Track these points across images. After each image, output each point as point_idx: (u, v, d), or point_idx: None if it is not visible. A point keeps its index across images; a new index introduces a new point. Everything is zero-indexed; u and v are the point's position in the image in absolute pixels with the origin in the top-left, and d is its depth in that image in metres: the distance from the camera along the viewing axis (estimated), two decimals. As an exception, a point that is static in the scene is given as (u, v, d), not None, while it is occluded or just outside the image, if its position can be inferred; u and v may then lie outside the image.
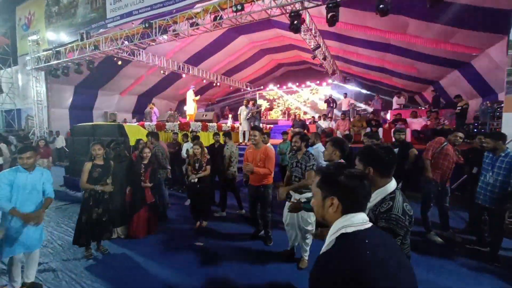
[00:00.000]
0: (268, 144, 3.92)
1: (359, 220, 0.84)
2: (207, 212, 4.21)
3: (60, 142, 10.39)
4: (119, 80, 12.08)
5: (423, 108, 9.53)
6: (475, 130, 6.78)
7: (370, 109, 10.63)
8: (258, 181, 3.35)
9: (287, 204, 2.87)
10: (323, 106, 13.13)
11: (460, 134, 3.59)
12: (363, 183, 0.88)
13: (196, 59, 12.10)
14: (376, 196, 1.30)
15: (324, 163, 3.24)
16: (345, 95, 11.40)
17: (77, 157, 6.60)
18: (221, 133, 5.32)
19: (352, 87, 13.67)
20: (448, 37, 6.43)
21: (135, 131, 5.99)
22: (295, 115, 14.08)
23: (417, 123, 7.72)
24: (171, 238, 3.66)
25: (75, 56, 9.10)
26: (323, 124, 9.00)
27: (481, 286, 2.63)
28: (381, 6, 4.73)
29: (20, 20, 12.40)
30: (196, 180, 3.91)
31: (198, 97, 9.35)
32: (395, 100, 10.15)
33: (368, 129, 7.54)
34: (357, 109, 11.56)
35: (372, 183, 1.17)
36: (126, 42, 8.35)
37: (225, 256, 3.17)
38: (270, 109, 15.56)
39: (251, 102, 8.58)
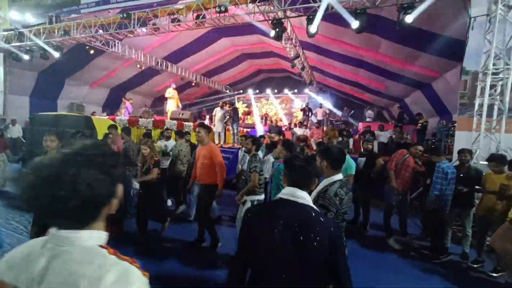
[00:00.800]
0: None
1: (286, 191, 1.17)
2: (163, 214, 3.79)
3: (17, 132, 9.44)
4: (90, 70, 11.35)
5: (390, 123, 10.26)
6: (433, 145, 7.46)
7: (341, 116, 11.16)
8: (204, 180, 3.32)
9: (241, 207, 3.06)
10: (299, 114, 13.53)
11: (420, 147, 3.94)
12: (303, 169, 1.19)
13: (176, 56, 11.82)
14: (324, 183, 1.64)
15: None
16: (321, 105, 11.91)
17: (35, 149, 6.04)
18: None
19: (325, 99, 14.32)
20: (413, 59, 7.06)
21: (104, 125, 5.65)
22: (271, 121, 14.35)
23: (383, 136, 8.27)
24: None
25: (42, 39, 8.39)
26: (298, 131, 9.26)
27: (432, 285, 2.88)
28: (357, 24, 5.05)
29: (-22, -6, 11.18)
30: (137, 186, 3.50)
31: (175, 97, 9.14)
32: (367, 113, 10.84)
33: (340, 139, 7.92)
34: (331, 119, 12.11)
35: (324, 173, 1.64)
36: (100, 31, 7.92)
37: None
38: (248, 113, 15.66)
39: (227, 105, 8.60)
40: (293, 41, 8.21)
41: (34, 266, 0.57)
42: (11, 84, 10.16)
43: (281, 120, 14.79)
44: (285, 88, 15.19)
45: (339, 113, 12.76)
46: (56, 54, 8.64)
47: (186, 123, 8.07)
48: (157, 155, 3.61)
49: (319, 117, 11.21)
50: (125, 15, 7.01)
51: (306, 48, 9.27)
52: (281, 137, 8.50)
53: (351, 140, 8.40)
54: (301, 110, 11.44)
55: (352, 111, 11.95)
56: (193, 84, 13.98)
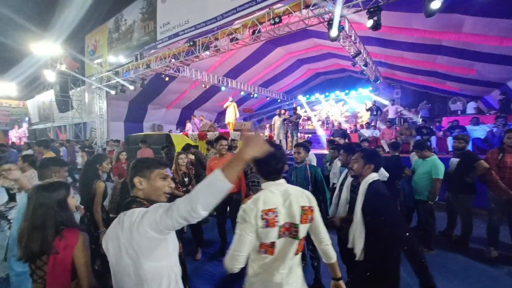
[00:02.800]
0: None
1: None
2: (201, 238, 3.49)
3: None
4: (166, 95, 13.19)
5: (488, 114, 8.39)
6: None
7: (417, 119, 9.69)
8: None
9: None
10: (365, 114, 12.46)
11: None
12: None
13: (234, 72, 12.63)
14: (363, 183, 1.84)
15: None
16: (392, 102, 10.65)
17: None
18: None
19: (396, 95, 12.77)
20: (515, 32, 5.64)
21: (180, 140, 6.42)
22: (333, 124, 13.63)
23: (479, 131, 6.81)
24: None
25: (131, 74, 10.23)
26: (366, 132, 8.51)
27: None
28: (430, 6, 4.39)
29: (88, 47, 14.51)
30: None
31: (233, 103, 9.69)
32: (453, 105, 9.17)
33: (418, 137, 6.89)
34: (405, 116, 10.69)
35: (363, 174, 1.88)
36: (173, 60, 9.14)
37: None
38: (308, 118, 15.31)
39: (286, 112, 8.60)
40: (352, 38, 7.70)
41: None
42: (111, 113, 12.67)
43: (345, 122, 13.89)
44: (347, 89, 14.30)
45: (415, 108, 11.19)
46: (138, 85, 10.38)
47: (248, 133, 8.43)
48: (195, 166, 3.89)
49: (391, 116, 10.05)
50: (191, 43, 7.92)
51: (368, 43, 8.55)
52: (346, 140, 8.00)
53: (433, 138, 7.22)
54: (367, 109, 10.50)
55: (429, 105, 10.27)
56: (251, 95, 14.60)
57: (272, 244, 1.24)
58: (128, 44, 11.55)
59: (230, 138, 7.49)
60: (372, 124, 9.62)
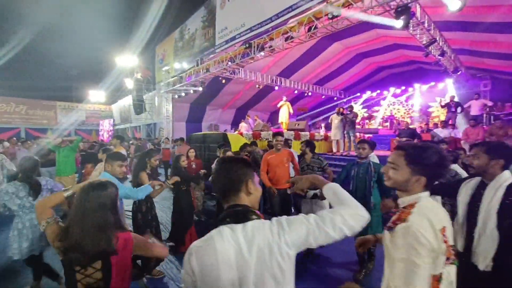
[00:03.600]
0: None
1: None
2: None
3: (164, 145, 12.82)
4: (222, 96, 13.94)
5: None
6: None
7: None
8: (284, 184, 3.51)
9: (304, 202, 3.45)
10: (440, 111, 10.77)
11: None
12: None
13: (288, 71, 12.50)
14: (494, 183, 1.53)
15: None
16: (477, 96, 8.88)
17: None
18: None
19: (483, 87, 10.60)
20: None
21: (236, 139, 6.66)
22: (399, 123, 12.19)
23: None
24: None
25: (192, 79, 11.14)
26: (442, 132, 7.33)
27: None
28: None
29: (157, 56, 16.42)
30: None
31: (287, 103, 9.56)
32: None
33: (517, 139, 5.57)
34: (495, 113, 8.80)
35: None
36: (229, 63, 9.56)
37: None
38: (369, 117, 14.07)
39: (344, 110, 8.03)
40: (425, 24, 6.70)
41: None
42: (175, 114, 14.06)
43: (414, 121, 12.27)
44: (416, 83, 12.60)
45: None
46: (200, 88, 11.20)
47: (302, 132, 8.21)
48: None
49: (475, 112, 8.42)
50: (247, 45, 8.13)
51: (446, 28, 7.32)
52: (415, 141, 7.03)
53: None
54: (443, 106, 9.02)
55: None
56: (305, 94, 14.22)
57: (439, 277, 0.93)
58: (190, 51, 12.60)
59: (284, 138, 7.42)
60: (450, 122, 8.22)
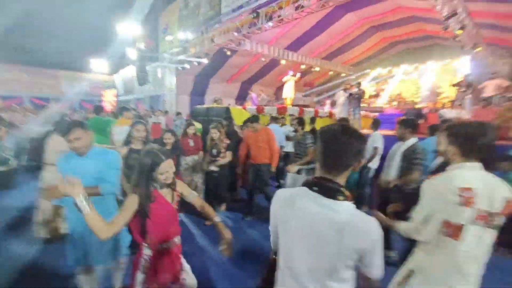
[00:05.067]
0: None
1: None
2: (223, 198, 3.96)
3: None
4: (227, 69, 13.54)
5: None
6: None
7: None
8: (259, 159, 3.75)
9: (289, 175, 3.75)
10: (450, 91, 10.37)
11: None
12: None
13: (296, 44, 11.96)
14: None
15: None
16: (494, 75, 8.46)
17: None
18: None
19: (502, 66, 10.04)
20: None
21: (239, 113, 6.59)
22: (405, 102, 11.90)
23: None
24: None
25: (197, 50, 10.75)
26: (450, 113, 7.12)
27: None
28: None
29: (161, 25, 15.73)
30: (215, 168, 3.64)
31: (294, 78, 9.27)
32: None
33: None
34: (509, 95, 8.45)
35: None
36: (235, 33, 9.13)
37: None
38: (376, 95, 13.66)
39: (352, 87, 7.78)
40: (448, -6, 6.21)
41: None
42: (179, 87, 13.81)
43: (422, 101, 11.92)
44: (430, 60, 12.02)
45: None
46: (205, 60, 10.85)
47: (307, 109, 8.06)
48: (226, 138, 3.77)
49: (489, 93, 8.09)
50: (255, 14, 7.69)
51: (470, -1, 6.80)
52: (421, 121, 6.90)
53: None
54: (454, 85, 8.67)
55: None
56: (312, 69, 13.74)
57: (460, 228, 1.15)
58: (195, 20, 12.03)
59: (287, 114, 7.32)
60: (458, 103, 7.96)
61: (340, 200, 0.90)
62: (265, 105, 8.51)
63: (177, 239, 1.61)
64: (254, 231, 3.57)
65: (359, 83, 7.65)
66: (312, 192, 0.93)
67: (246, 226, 3.71)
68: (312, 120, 5.66)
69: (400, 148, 2.71)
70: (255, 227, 3.66)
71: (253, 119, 3.82)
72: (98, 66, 21.99)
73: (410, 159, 2.53)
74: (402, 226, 1.35)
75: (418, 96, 12.47)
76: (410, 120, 2.78)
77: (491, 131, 1.20)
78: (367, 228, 0.87)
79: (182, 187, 1.63)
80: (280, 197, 1.03)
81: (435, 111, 8.38)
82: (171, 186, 1.55)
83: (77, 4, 18.95)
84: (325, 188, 0.92)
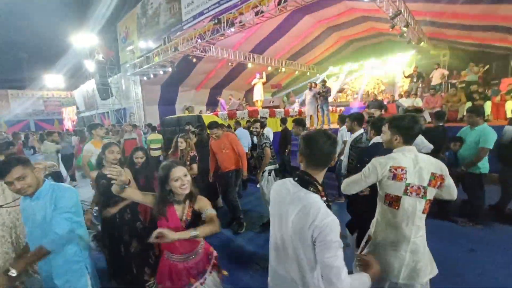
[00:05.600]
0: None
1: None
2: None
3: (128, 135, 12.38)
4: (195, 76, 13.39)
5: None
6: None
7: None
8: (225, 167, 3.63)
9: (263, 182, 3.59)
10: (405, 82, 11.37)
11: None
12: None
13: (261, 47, 12.24)
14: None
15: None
16: (437, 66, 9.47)
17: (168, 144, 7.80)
18: (289, 119, 5.34)
19: (442, 57, 11.29)
20: None
21: (211, 120, 6.60)
22: (368, 94, 12.74)
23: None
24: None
25: (160, 58, 10.51)
26: (406, 102, 7.83)
27: None
28: None
29: (120, 34, 15.10)
30: None
31: (261, 80, 9.52)
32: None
33: (470, 104, 6.16)
34: (453, 81, 9.51)
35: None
36: (199, 40, 9.12)
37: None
38: (340, 90, 14.46)
39: (316, 85, 8.21)
40: (391, -5, 6.85)
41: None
42: (146, 97, 13.34)
43: (380, 93, 12.89)
44: (384, 55, 13.05)
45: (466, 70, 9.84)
46: (169, 69, 10.64)
47: (277, 109, 8.31)
48: (193, 149, 3.42)
49: (435, 82, 9.04)
50: (216, 20, 7.76)
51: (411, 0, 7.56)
52: (382, 112, 7.48)
53: (487, 104, 6.43)
54: (407, 76, 9.55)
55: (487, 66, 8.92)
56: (279, 70, 14.15)
57: (398, 198, 1.44)
58: (155, 28, 11.76)
59: (259, 116, 7.48)
60: (413, 92, 8.78)
61: (310, 190, 1.13)
62: (236, 110, 8.60)
63: (189, 254, 1.58)
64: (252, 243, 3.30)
65: (324, 81, 8.07)
66: (294, 181, 1.20)
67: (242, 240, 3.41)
68: (283, 120, 5.72)
69: (349, 139, 3.11)
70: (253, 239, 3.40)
71: (211, 125, 3.56)
72: (54, 82, 20.41)
73: (356, 148, 2.90)
74: (347, 179, 1.62)
75: (379, 89, 13.46)
76: (357, 114, 3.17)
77: (420, 122, 1.53)
78: (316, 213, 1.06)
79: (199, 203, 1.58)
80: (276, 185, 1.31)
81: (393, 102, 9.14)
82: (190, 198, 1.56)
83: (26, 16, 17.42)
84: (301, 179, 1.18)
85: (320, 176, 1.19)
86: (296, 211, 1.11)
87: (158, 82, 12.90)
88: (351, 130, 3.10)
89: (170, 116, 8.28)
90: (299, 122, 4.09)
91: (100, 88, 14.30)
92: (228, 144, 3.56)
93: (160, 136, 6.38)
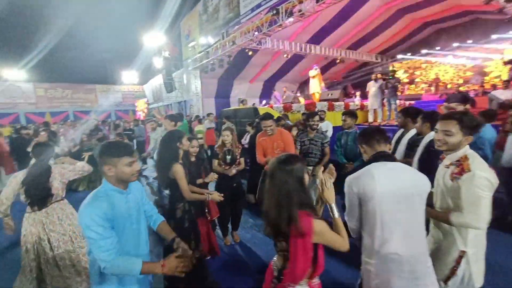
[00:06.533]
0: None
1: None
2: (238, 220, 3.30)
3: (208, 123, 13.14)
4: (249, 69, 13.58)
5: None
6: None
7: None
8: None
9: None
10: (501, 70, 9.32)
11: None
12: None
13: (318, 37, 11.60)
14: None
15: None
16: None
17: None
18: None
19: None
20: None
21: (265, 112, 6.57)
22: (445, 86, 10.93)
23: None
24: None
25: (219, 53, 10.94)
26: (503, 94, 6.39)
27: None
28: None
29: (183, 32, 16.28)
30: (234, 173, 2.98)
31: (317, 72, 9.04)
32: None
33: None
34: None
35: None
36: (256, 33, 9.11)
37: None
38: (410, 82, 12.76)
39: (382, 76, 7.36)
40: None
41: None
42: (204, 90, 14.16)
43: (465, 83, 10.86)
44: (470, 38, 10.92)
45: None
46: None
47: (336, 103, 7.79)
48: (237, 143, 3.16)
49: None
50: (274, 11, 7.60)
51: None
52: (467, 106, 6.29)
53: None
54: (506, 62, 7.77)
55: None
56: (337, 61, 13.24)
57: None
58: (215, 24, 12.25)
59: (316, 109, 7.13)
60: (512, 82, 7.10)
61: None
62: (291, 102, 8.39)
63: None
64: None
65: (393, 71, 7.20)
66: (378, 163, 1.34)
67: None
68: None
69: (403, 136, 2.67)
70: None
71: (265, 116, 3.17)
72: (129, 77, 23.50)
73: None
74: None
75: (460, 78, 11.39)
76: (434, 114, 2.57)
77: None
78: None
79: None
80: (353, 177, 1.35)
81: (484, 94, 7.60)
82: None
83: (106, 20, 20.38)
84: (385, 156, 1.37)
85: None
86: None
87: (215, 76, 13.52)
88: (404, 126, 2.70)
89: (227, 108, 8.59)
90: (351, 113, 3.62)
91: (166, 82, 15.76)
92: (281, 143, 3.13)
93: (202, 127, 6.84)
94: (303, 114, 6.29)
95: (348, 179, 1.37)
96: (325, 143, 3.32)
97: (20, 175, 2.10)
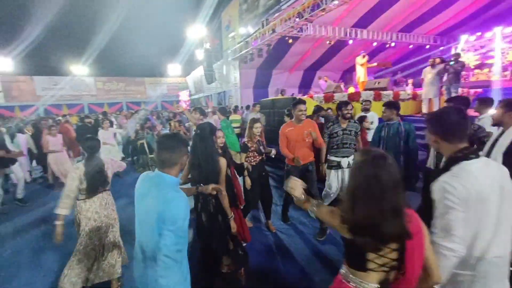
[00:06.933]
0: None
1: None
2: (270, 209, 3.44)
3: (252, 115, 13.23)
4: (288, 58, 13.19)
5: None
6: None
7: None
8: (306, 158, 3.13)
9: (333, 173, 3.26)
10: None
11: None
12: None
13: (365, 20, 10.65)
14: None
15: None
16: None
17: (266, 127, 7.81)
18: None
19: None
20: None
21: (307, 103, 6.32)
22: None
23: None
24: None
25: (259, 42, 10.80)
26: None
27: None
28: None
29: (224, 23, 16.46)
30: (274, 155, 3.30)
31: (365, 60, 8.33)
32: None
33: None
34: None
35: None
36: (297, 19, 8.72)
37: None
38: (479, 66, 10.92)
39: (441, 61, 6.41)
40: None
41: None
42: (242, 81, 14.24)
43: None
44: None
45: None
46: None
47: (384, 92, 7.12)
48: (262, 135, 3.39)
49: None
50: (318, -6, 7.14)
51: None
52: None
53: None
54: None
55: None
56: (387, 46, 12.06)
57: None
58: (255, 13, 12.09)
59: (361, 99, 6.62)
60: None
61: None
62: (333, 92, 7.94)
63: None
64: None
65: (457, 54, 6.27)
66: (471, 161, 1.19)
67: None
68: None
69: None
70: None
71: (299, 101, 3.21)
72: (174, 70, 24.89)
73: None
74: None
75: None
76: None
77: None
78: None
79: None
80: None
81: None
82: None
83: (153, 17, 21.69)
84: (472, 152, 1.22)
85: None
86: None
87: (254, 66, 13.46)
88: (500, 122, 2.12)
89: (265, 99, 8.51)
90: (389, 104, 3.38)
91: (206, 73, 16.28)
92: (311, 131, 3.05)
93: (239, 117, 7.04)
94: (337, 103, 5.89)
95: (442, 184, 1.15)
96: (358, 132, 3.26)
97: (81, 167, 2.24)
